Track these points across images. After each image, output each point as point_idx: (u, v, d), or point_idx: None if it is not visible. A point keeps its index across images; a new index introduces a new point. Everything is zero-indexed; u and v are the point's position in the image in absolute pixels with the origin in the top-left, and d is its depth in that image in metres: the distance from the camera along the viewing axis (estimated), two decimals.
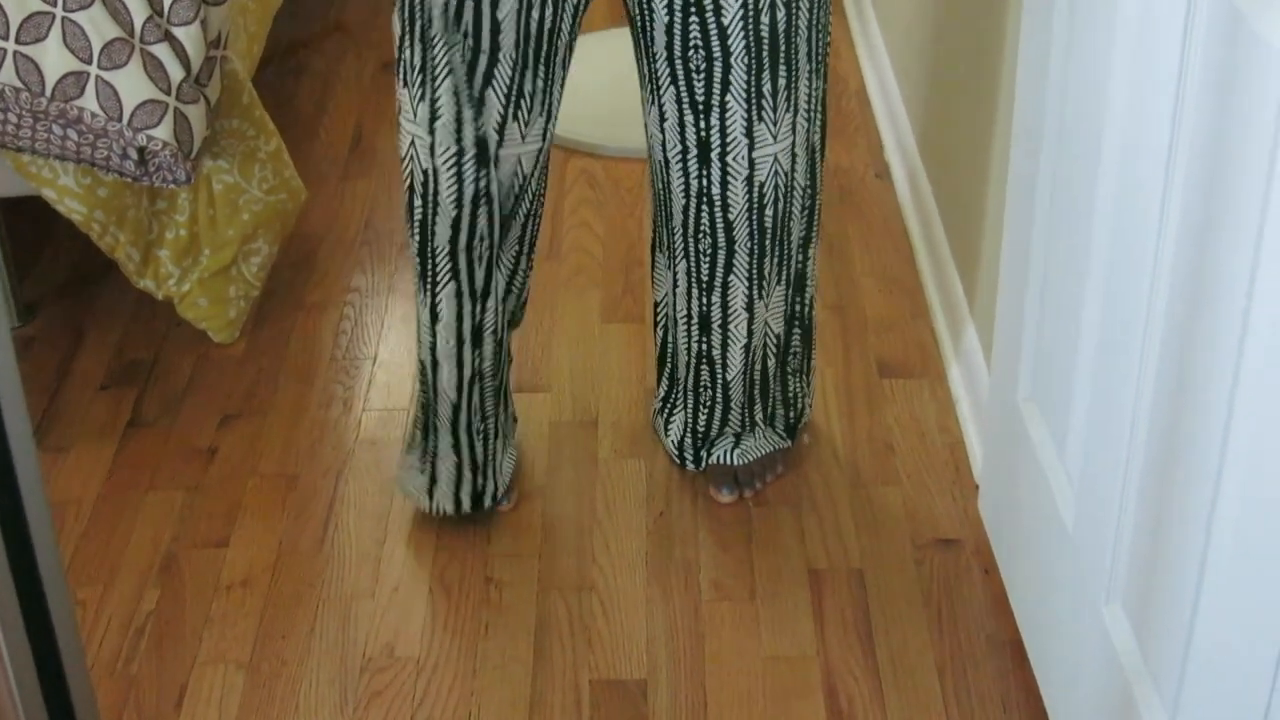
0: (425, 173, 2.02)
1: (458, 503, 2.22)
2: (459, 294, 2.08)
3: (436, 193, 2.03)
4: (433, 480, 2.21)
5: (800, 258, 2.19)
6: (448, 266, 2.07)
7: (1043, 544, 1.91)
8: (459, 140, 1.99)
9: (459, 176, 2.01)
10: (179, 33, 2.31)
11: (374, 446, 2.39)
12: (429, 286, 2.08)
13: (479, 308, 2.11)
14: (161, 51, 2.29)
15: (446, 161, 2.00)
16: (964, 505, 2.26)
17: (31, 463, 0.90)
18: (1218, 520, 1.40)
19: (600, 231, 2.88)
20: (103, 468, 2.36)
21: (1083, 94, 1.69)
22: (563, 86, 2.05)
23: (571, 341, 2.60)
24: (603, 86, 3.29)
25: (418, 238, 2.06)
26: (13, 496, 0.90)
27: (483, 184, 2.01)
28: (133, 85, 2.27)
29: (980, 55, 2.35)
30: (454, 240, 2.05)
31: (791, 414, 2.33)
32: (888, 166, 3.06)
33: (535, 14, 1.94)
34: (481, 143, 1.99)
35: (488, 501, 2.24)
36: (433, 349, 2.12)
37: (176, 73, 2.30)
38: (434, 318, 2.10)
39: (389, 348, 2.60)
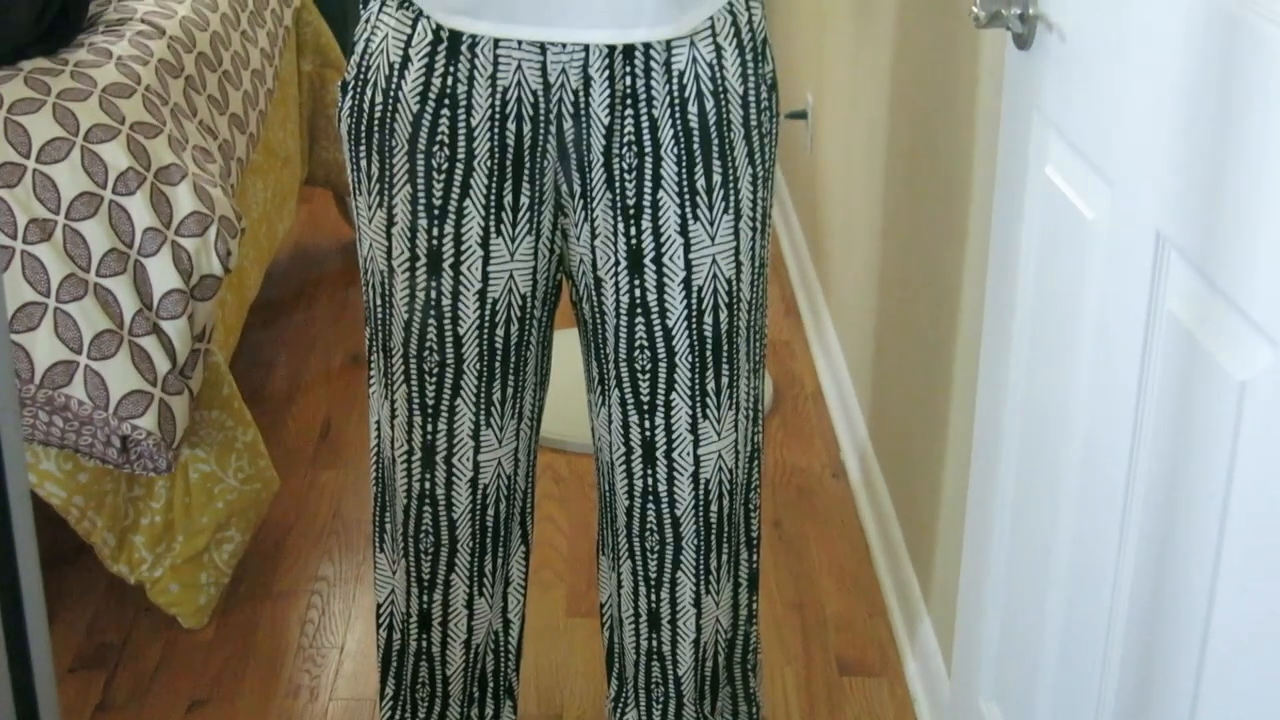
0: (385, 461, 2.12)
1: None
2: (408, 573, 2.16)
3: (392, 479, 2.12)
4: None
5: (748, 556, 2.23)
6: (401, 547, 2.15)
7: None
8: (410, 441, 2.07)
9: (409, 474, 2.09)
10: (167, 326, 2.37)
11: None
12: (389, 559, 2.19)
13: (428, 596, 2.17)
14: (149, 344, 2.35)
15: (402, 457, 2.09)
16: None
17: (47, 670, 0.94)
18: None
19: (564, 526, 2.93)
20: None
21: (1042, 408, 1.76)
22: (542, 387, 2.12)
23: (536, 635, 2.63)
24: (566, 384, 3.36)
25: (377, 513, 2.18)
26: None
27: (427, 485, 2.09)
28: (120, 376, 2.32)
29: (933, 361, 2.43)
30: (405, 524, 2.13)
31: (755, 710, 2.36)
32: (844, 466, 3.13)
33: (500, 332, 2.01)
34: (428, 449, 2.07)
35: None
36: (379, 606, 2.24)
37: (163, 365, 2.36)
38: (390, 584, 2.21)
39: (356, 638, 2.62)
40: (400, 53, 1.90)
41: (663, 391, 2.04)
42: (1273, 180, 1.21)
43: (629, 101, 1.90)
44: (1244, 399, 1.27)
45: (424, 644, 2.21)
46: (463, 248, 1.95)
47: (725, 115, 1.93)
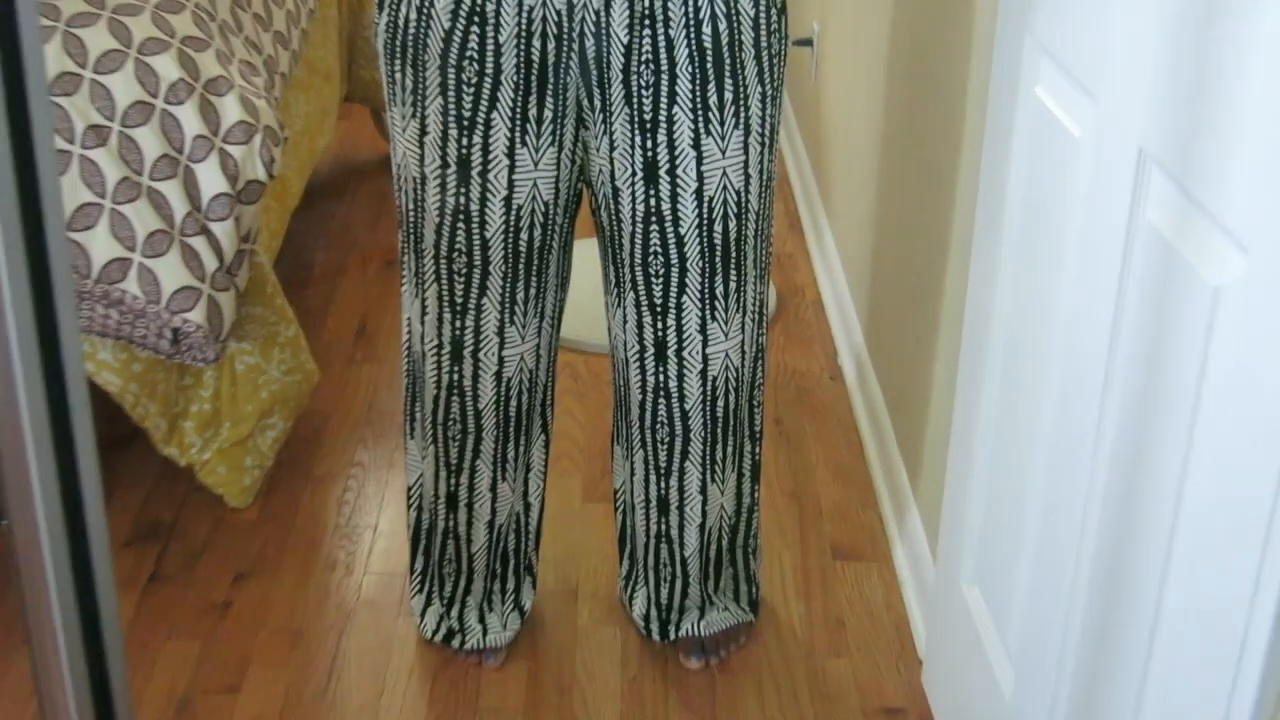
0: (416, 355, 2.11)
1: (434, 629, 2.29)
2: (437, 458, 2.16)
3: (422, 374, 2.11)
4: (427, 601, 2.31)
5: (751, 449, 2.23)
6: (430, 434, 2.14)
7: (982, 714, 1.93)
8: (440, 335, 2.06)
9: (439, 366, 2.08)
10: (215, 227, 2.36)
11: (373, 607, 2.41)
12: (419, 446, 2.18)
13: (455, 480, 2.17)
14: (199, 243, 2.34)
15: (432, 350, 2.08)
16: (908, 677, 2.28)
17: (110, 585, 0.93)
18: (1147, 697, 1.43)
19: (582, 419, 2.93)
20: (125, 618, 2.37)
21: (1027, 314, 1.75)
22: (563, 289, 2.11)
23: (555, 519, 2.63)
24: (585, 289, 3.35)
25: (408, 404, 2.17)
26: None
27: (455, 377, 2.08)
28: (171, 272, 2.31)
29: (926, 272, 2.41)
30: (435, 414, 2.12)
31: (754, 590, 2.36)
32: (841, 369, 3.12)
33: (524, 236, 2.00)
34: (457, 343, 2.06)
35: (455, 644, 2.27)
36: (410, 488, 2.25)
37: (211, 263, 2.35)
38: (420, 468, 2.22)
39: (388, 518, 2.62)
40: None
41: (674, 294, 2.03)
42: (1250, 98, 1.19)
43: (647, 21, 1.87)
44: (1217, 304, 1.26)
45: (451, 524, 2.21)
46: (490, 157, 1.93)
47: (737, 36, 1.91)
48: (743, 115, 1.95)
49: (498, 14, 1.86)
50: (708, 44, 1.90)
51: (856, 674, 2.29)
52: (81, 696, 0.91)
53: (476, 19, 1.87)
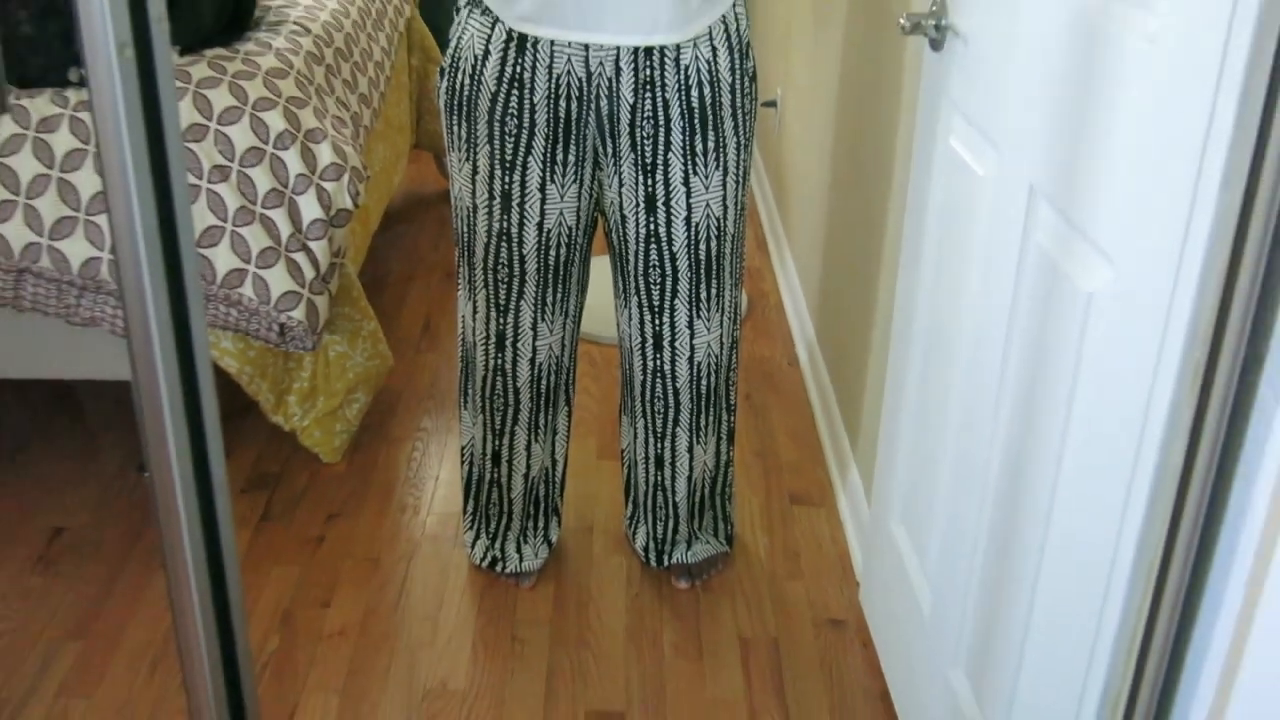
0: (468, 345, 2.09)
1: (481, 557, 2.27)
2: (484, 424, 2.15)
3: (473, 359, 2.09)
4: (476, 535, 2.27)
5: (728, 417, 2.23)
6: (479, 406, 2.13)
7: (906, 625, 1.93)
8: (487, 329, 2.05)
9: (486, 353, 2.07)
10: (313, 245, 2.35)
11: (435, 541, 2.40)
12: (470, 415, 2.16)
13: (498, 441, 2.16)
14: (300, 258, 2.33)
15: (481, 341, 2.07)
16: (849, 596, 2.28)
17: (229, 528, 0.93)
18: (1036, 611, 1.43)
19: (596, 394, 2.92)
20: (241, 549, 2.36)
21: (941, 317, 1.74)
22: (582, 293, 2.10)
23: (575, 472, 2.63)
24: (599, 295, 3.34)
25: (461, 383, 2.16)
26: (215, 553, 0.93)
27: (499, 362, 2.07)
28: (279, 280, 2.31)
29: (863, 283, 2.40)
30: (483, 391, 2.11)
31: (729, 527, 2.36)
32: (797, 357, 3.11)
33: (553, 253, 1.99)
34: (500, 335, 2.05)
35: (498, 569, 2.27)
36: (463, 448, 2.24)
37: (310, 273, 2.34)
38: (471, 432, 2.20)
39: (447, 470, 2.62)
40: (483, 47, 1.87)
41: (669, 298, 2.02)
42: (1115, 145, 1.19)
43: (648, 87, 1.87)
44: (1090, 306, 1.25)
45: (495, 476, 2.21)
46: (526, 192, 1.93)
47: (718, 98, 1.90)
48: (722, 159, 1.94)
49: (533, 81, 1.86)
50: (695, 104, 1.89)
51: (808, 593, 2.29)
52: (206, 610, 0.91)
53: (516, 84, 1.86)
